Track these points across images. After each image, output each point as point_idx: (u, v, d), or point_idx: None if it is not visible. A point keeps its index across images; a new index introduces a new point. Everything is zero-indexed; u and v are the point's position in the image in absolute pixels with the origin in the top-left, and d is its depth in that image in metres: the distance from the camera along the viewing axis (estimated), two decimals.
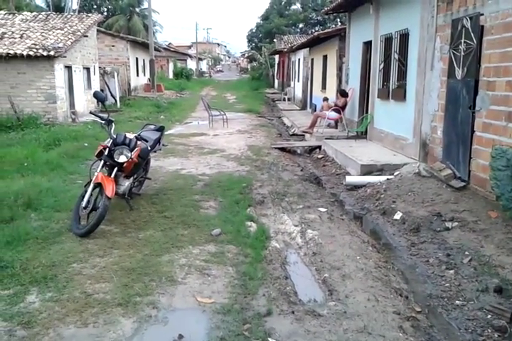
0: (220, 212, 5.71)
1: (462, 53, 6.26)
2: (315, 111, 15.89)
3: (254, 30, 54.82)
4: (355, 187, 7.03)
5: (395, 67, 8.92)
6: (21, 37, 15.16)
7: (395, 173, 7.12)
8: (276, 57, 35.20)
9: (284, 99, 24.34)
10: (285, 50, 26.32)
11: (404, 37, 8.49)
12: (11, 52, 13.91)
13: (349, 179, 7.27)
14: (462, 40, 6.26)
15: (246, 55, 65.89)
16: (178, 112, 19.03)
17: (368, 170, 7.46)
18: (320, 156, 9.74)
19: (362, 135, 10.53)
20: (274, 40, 38.00)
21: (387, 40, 9.34)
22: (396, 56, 8.84)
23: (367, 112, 10.56)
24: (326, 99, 12.76)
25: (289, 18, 48.79)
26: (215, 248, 4.58)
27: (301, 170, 8.50)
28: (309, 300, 3.61)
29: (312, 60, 18.89)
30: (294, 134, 13.25)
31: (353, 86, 11.66)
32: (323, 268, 4.16)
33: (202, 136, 12.82)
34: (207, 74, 65.05)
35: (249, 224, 5.25)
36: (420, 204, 5.77)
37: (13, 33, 15.50)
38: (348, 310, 3.40)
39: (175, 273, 4.01)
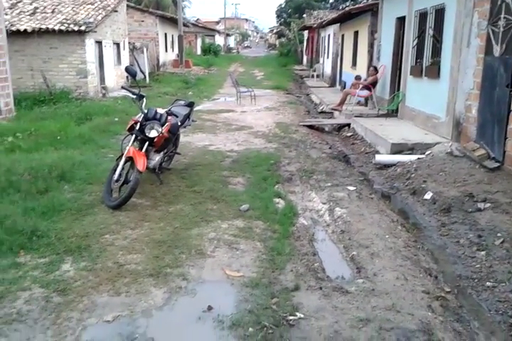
0: (248, 188, 5.74)
1: (501, 29, 5.99)
2: (344, 88, 15.62)
3: (283, 6, 53.75)
4: (385, 166, 6.93)
5: (429, 43, 8.62)
6: (53, 12, 15.26)
7: (426, 152, 6.97)
8: (306, 33, 34.49)
9: (313, 76, 23.95)
10: (315, 25, 25.73)
11: (439, 12, 8.17)
12: (43, 26, 14.04)
13: (379, 158, 7.16)
14: (502, 16, 5.98)
15: (274, 30, 64.83)
16: (206, 88, 18.98)
17: (398, 149, 7.33)
18: (349, 134, 9.61)
19: (393, 113, 10.31)
20: (304, 15, 37.18)
21: (422, 16, 9.00)
22: (431, 32, 8.53)
23: (398, 90, 10.30)
24: (358, 78, 12.47)
25: None
26: (243, 223, 4.63)
27: (330, 148, 8.43)
28: (337, 277, 3.63)
29: (343, 35, 18.45)
30: (322, 112, 13.08)
31: (385, 63, 11.36)
32: (351, 246, 4.15)
33: (229, 112, 12.79)
34: (234, 51, 64.41)
35: (277, 200, 5.27)
36: (452, 185, 5.66)
37: (45, 7, 15.60)
38: (377, 288, 3.40)
39: (204, 247, 4.08)
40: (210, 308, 3.16)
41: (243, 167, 6.74)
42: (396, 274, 3.63)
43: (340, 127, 10.52)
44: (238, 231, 4.43)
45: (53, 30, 13.97)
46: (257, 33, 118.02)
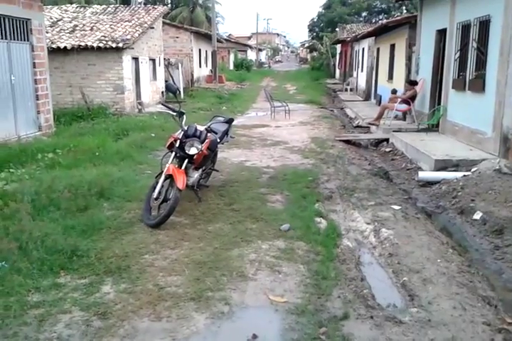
0: (287, 207, 5.59)
1: None
2: (380, 102, 15.36)
3: (315, 20, 53.91)
4: (429, 184, 6.65)
5: (472, 56, 8.33)
6: (91, 29, 15.67)
7: (473, 169, 6.66)
8: (338, 46, 34.40)
9: (346, 90, 23.74)
10: (348, 39, 25.59)
11: (484, 24, 7.89)
12: (82, 44, 14.42)
13: (422, 174, 6.89)
14: None
15: (306, 44, 64.99)
16: (240, 103, 19.05)
17: (442, 165, 7.04)
18: (388, 150, 9.35)
19: (433, 128, 10.00)
20: (337, 29, 37.13)
21: (465, 28, 8.73)
22: (474, 44, 8.25)
23: (439, 104, 10.00)
24: (394, 92, 12.21)
25: (352, 6, 47.52)
26: (284, 244, 4.47)
27: (369, 164, 8.19)
28: (388, 304, 3.41)
29: (378, 49, 18.22)
30: (358, 126, 12.85)
31: (424, 76, 11.09)
32: (401, 270, 3.93)
33: (264, 127, 12.73)
34: (266, 65, 64.86)
35: (318, 220, 5.09)
36: (503, 204, 5.34)
37: (84, 25, 16.06)
38: (433, 318, 3.17)
39: (245, 269, 3.94)
40: (254, 337, 3.01)
41: (281, 184, 6.60)
42: (452, 303, 3.39)
43: (378, 142, 10.26)
44: (280, 252, 4.28)
45: (92, 47, 14.32)
46: (288, 47, 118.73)
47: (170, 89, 5.41)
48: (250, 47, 56.20)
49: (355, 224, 5.09)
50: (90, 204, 5.30)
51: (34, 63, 9.81)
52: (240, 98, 21.19)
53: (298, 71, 49.31)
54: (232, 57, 44.06)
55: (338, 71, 34.98)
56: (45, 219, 4.73)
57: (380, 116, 11.54)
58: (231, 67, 42.31)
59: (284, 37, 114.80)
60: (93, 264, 3.95)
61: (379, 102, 15.69)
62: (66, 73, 14.53)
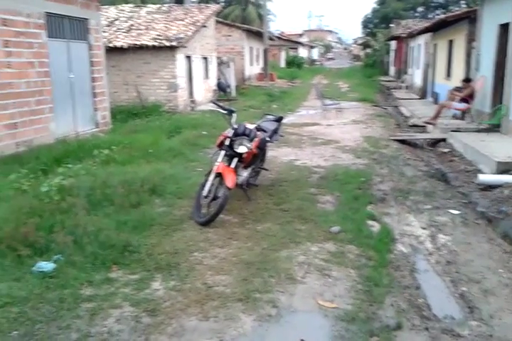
0: (338, 208, 5.45)
1: None
2: (436, 100, 14.77)
3: (369, 16, 52.70)
4: (490, 187, 6.29)
5: None
6: (147, 28, 16.04)
7: None
8: (393, 43, 33.42)
9: (401, 87, 23.05)
10: (403, 35, 24.81)
11: None
12: (138, 43, 14.78)
13: (482, 177, 6.53)
14: None
15: (359, 41, 63.76)
16: (290, 101, 18.91)
17: (505, 168, 6.64)
18: (445, 150, 8.94)
19: (495, 128, 9.47)
20: (391, 25, 36.09)
21: None
22: None
23: (501, 103, 9.46)
24: (457, 89, 11.62)
25: (408, 1, 46.02)
26: (334, 247, 4.35)
27: (425, 165, 7.87)
28: (445, 316, 3.23)
29: (435, 45, 17.52)
30: (413, 125, 12.39)
31: (484, 73, 10.53)
32: (460, 280, 3.72)
33: (315, 125, 12.55)
34: (318, 62, 64.15)
35: (370, 223, 4.93)
36: None
37: (139, 24, 16.46)
38: (495, 334, 2.97)
39: (294, 271, 3.86)
40: None
41: (331, 184, 6.45)
42: None
43: (435, 142, 9.85)
44: (330, 255, 4.16)
45: (147, 46, 14.65)
46: (341, 44, 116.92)
47: (221, 87, 5.42)
48: (302, 44, 55.75)
49: (409, 229, 4.88)
50: (143, 200, 5.39)
51: (92, 62, 10.14)
52: (290, 96, 21.04)
53: (350, 68, 48.42)
54: (283, 54, 43.85)
55: (392, 68, 34.04)
56: (99, 214, 4.84)
57: (437, 115, 11.08)
58: (282, 64, 42.12)
59: (337, 34, 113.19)
60: (144, 260, 4.00)
61: (436, 101, 15.09)
62: (122, 71, 14.95)
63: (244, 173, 5.39)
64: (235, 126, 5.22)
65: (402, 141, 9.99)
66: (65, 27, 9.21)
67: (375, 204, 5.65)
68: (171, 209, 5.25)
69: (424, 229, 4.84)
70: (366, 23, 53.34)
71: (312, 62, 60.36)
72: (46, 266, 3.74)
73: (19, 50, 7.78)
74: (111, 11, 18.16)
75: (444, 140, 9.57)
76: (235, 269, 3.88)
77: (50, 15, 8.62)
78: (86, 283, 3.60)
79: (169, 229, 4.71)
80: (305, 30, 73.48)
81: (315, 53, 71.14)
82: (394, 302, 3.37)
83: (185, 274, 3.79)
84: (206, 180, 5.03)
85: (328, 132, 11.36)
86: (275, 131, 6.18)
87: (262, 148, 5.57)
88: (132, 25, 16.42)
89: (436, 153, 9.06)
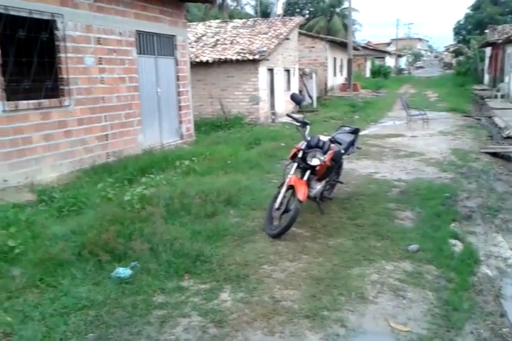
0: (417, 225, 5.17)
1: None
2: None
3: (462, 22, 50.28)
4: None
5: None
6: (231, 43, 16.54)
7: None
8: (488, 49, 31.48)
9: (496, 97, 21.52)
10: (499, 41, 23.26)
11: None
12: (222, 57, 15.28)
13: None
14: None
15: (451, 49, 60.84)
16: (374, 112, 18.45)
17: None
18: None
19: None
20: (486, 31, 34.06)
21: None
22: None
23: None
24: None
25: (505, 5, 43.23)
26: (411, 266, 4.12)
27: None
28: None
29: None
30: (508, 137, 11.51)
31: None
32: None
33: (398, 137, 12.11)
34: (406, 71, 62.10)
35: (453, 242, 4.61)
36: None
37: (224, 39, 17.03)
38: None
39: (366, 290, 3.71)
40: None
41: (412, 199, 6.15)
42: None
43: None
44: (405, 275, 3.95)
45: (231, 60, 15.09)
46: (431, 52, 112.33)
47: (295, 100, 5.40)
48: (389, 53, 54.34)
49: (497, 250, 4.49)
50: (218, 210, 5.50)
51: (178, 76, 10.63)
52: (374, 106, 20.54)
53: (441, 77, 46.31)
54: (368, 64, 43.02)
55: (486, 76, 32.01)
56: (175, 223, 5.01)
57: None
58: (367, 74, 41.32)
59: (427, 41, 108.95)
60: (214, 270, 4.06)
61: None
62: (207, 85, 15.52)
63: (318, 186, 5.30)
64: (308, 138, 5.17)
65: (495, 154, 9.31)
66: (153, 44, 9.76)
67: (459, 222, 5.29)
68: (244, 220, 5.31)
69: None
70: (459, 30, 50.95)
71: (399, 71, 58.55)
72: (124, 272, 3.92)
73: (111, 66, 8.36)
74: (199, 27, 18.99)
75: None
76: (304, 284, 3.80)
77: (140, 33, 9.19)
78: (158, 291, 3.72)
79: (241, 240, 4.75)
80: (393, 39, 71.63)
81: (403, 62, 68.97)
82: (474, 329, 3.11)
83: (254, 287, 3.78)
84: (278, 193, 5.02)
85: (412, 144, 10.91)
86: (351, 143, 6.01)
87: (336, 160, 5.45)
88: (218, 40, 17.02)
89: None
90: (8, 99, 6.36)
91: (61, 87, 7.32)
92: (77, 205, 5.70)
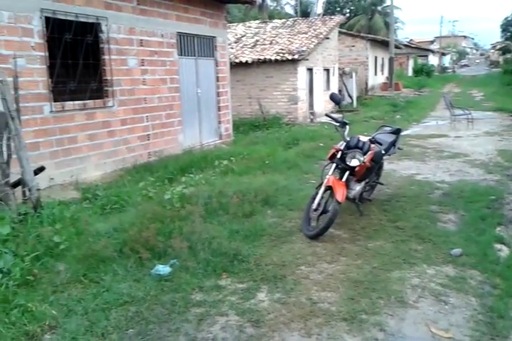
0: (461, 228, 5.01)
1: None
2: None
3: (510, 18, 48.35)
4: None
5: None
6: (271, 43, 16.56)
7: None
8: None
9: None
10: None
11: None
12: (261, 57, 15.31)
13: None
14: None
15: (498, 46, 58.64)
16: (416, 111, 18.02)
17: None
18: None
19: None
20: None
21: None
22: None
23: None
24: None
25: None
26: (454, 271, 4.00)
27: None
28: None
29: None
30: None
31: None
32: None
33: (442, 137, 11.79)
34: (450, 70, 60.35)
35: (498, 246, 4.44)
36: None
37: (264, 39, 17.07)
38: None
39: (405, 294, 3.62)
40: None
41: (456, 202, 5.96)
42: None
43: None
44: (448, 280, 3.83)
45: (270, 60, 15.10)
46: (477, 50, 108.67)
47: (334, 99, 5.34)
48: (432, 51, 52.96)
49: None
50: (255, 210, 5.51)
51: (217, 77, 10.75)
52: (416, 106, 20.05)
53: (487, 75, 44.70)
54: (411, 63, 42.08)
55: None
56: (214, 222, 5.06)
57: None
58: (410, 73, 40.42)
59: (472, 39, 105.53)
60: (252, 270, 4.06)
61: None
62: (246, 85, 15.60)
63: (357, 187, 5.22)
64: (348, 139, 5.11)
65: None
66: (194, 45, 9.90)
67: (505, 225, 5.09)
68: (281, 221, 5.30)
69: None
70: (506, 26, 49.10)
71: (443, 69, 56.99)
72: (163, 269, 3.99)
73: (153, 68, 8.54)
74: (239, 28, 19.12)
75: None
76: (342, 287, 3.76)
77: (181, 35, 9.34)
78: (197, 289, 3.76)
79: (278, 240, 4.74)
80: (436, 37, 69.77)
81: (447, 60, 67.06)
82: None
83: (291, 287, 3.77)
84: (316, 193, 4.98)
85: (456, 144, 10.60)
86: (393, 144, 5.92)
87: (376, 161, 5.36)
88: (257, 40, 17.09)
89: None
90: (54, 100, 6.61)
91: (105, 88, 7.54)
92: (120, 203, 5.86)
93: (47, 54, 6.44)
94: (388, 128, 6.09)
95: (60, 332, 3.15)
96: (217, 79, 10.76)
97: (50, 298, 3.56)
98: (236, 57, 15.45)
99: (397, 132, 5.77)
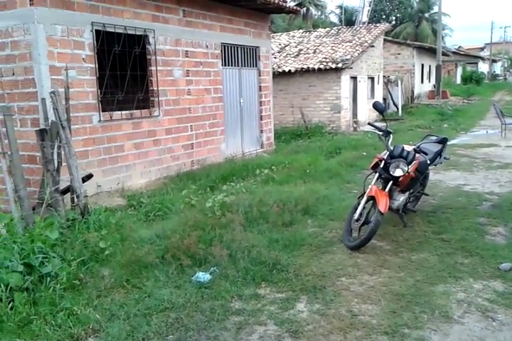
0: (511, 242, 4.79)
1: None
2: None
3: None
4: None
5: None
6: (314, 52, 16.55)
7: None
8: None
9: None
10: None
11: None
12: (304, 66, 15.32)
13: None
14: None
15: None
16: (464, 120, 17.47)
17: None
18: None
19: None
20: None
21: None
22: None
23: None
24: None
25: None
26: (502, 286, 3.82)
27: None
28: None
29: None
30: None
31: None
32: None
33: (491, 147, 11.36)
34: (501, 77, 58.19)
35: None
36: None
37: (308, 49, 17.08)
38: None
39: (450, 309, 3.49)
40: None
41: (505, 214, 5.71)
42: None
43: None
44: (496, 295, 3.67)
45: (313, 69, 15.08)
46: None
47: (377, 108, 5.26)
48: (482, 58, 51.29)
49: None
50: (295, 219, 5.49)
51: (260, 87, 10.84)
52: (465, 114, 19.44)
53: None
54: (459, 70, 40.92)
55: None
56: (254, 230, 5.09)
57: None
58: (458, 81, 39.30)
59: None
60: (291, 280, 4.04)
61: None
62: (289, 94, 15.64)
63: (401, 198, 5.10)
64: (391, 148, 5.01)
65: None
66: (237, 55, 10.04)
67: None
68: (321, 231, 5.25)
69: None
70: None
71: (494, 77, 55.03)
72: (203, 276, 4.03)
73: (198, 78, 8.72)
74: (282, 38, 19.25)
75: None
76: (384, 300, 3.67)
77: (224, 45, 9.50)
78: (236, 297, 3.77)
79: (318, 250, 4.70)
80: (486, 43, 67.47)
81: (498, 67, 64.73)
82: None
83: (331, 299, 3.72)
84: (358, 203, 4.90)
85: (507, 154, 10.19)
86: (439, 154, 5.75)
87: (421, 171, 5.22)
88: (301, 49, 17.12)
89: None
90: (103, 110, 6.87)
91: (151, 99, 7.76)
92: (163, 210, 5.99)
93: (96, 65, 6.72)
94: (434, 138, 5.93)
95: (103, 335, 3.24)
96: (260, 88, 10.85)
97: (94, 302, 3.67)
98: (279, 67, 15.53)
99: (443, 141, 5.60)
